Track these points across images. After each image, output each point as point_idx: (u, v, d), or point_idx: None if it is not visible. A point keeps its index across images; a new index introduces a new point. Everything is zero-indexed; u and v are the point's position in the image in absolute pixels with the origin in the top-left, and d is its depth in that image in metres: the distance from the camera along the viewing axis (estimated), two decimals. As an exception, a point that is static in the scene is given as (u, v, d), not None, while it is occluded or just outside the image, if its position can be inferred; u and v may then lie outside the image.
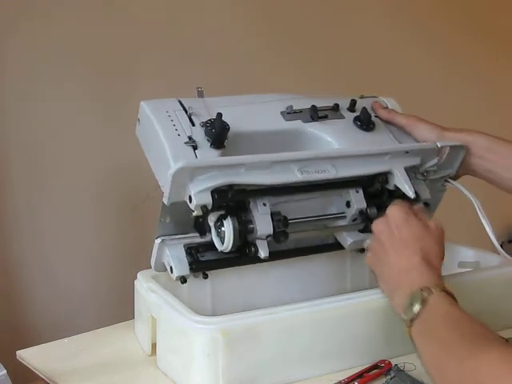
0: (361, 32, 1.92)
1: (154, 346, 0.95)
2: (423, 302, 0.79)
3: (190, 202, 0.88)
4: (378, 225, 0.90)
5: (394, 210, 0.89)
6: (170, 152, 0.90)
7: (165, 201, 0.90)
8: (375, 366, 0.90)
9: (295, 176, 0.93)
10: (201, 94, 0.97)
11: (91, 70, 1.49)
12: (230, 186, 0.90)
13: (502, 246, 2.47)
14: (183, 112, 0.94)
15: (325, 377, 0.90)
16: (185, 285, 0.99)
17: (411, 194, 0.99)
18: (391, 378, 0.88)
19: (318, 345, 0.89)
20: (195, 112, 0.95)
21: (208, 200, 0.88)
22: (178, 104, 0.95)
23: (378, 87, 1.73)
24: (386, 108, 1.09)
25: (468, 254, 1.09)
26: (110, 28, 1.50)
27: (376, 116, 1.07)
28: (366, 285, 1.13)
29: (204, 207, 0.88)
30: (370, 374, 0.89)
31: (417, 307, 0.79)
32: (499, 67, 2.24)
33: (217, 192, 0.89)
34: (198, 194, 0.88)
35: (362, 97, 1.09)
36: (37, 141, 1.46)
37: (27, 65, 1.42)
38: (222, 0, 1.66)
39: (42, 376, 0.93)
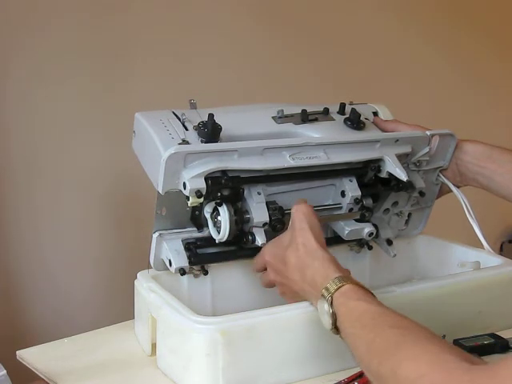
0: (361, 33, 1.92)
1: (154, 346, 0.95)
2: (331, 305, 0.78)
3: (185, 188, 0.90)
4: (266, 254, 0.93)
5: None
6: (163, 152, 0.90)
7: (159, 190, 0.91)
8: (375, 366, 0.89)
9: (287, 161, 0.95)
10: (194, 106, 0.99)
11: (92, 74, 1.49)
12: (224, 173, 0.92)
13: (502, 245, 2.48)
14: (177, 120, 0.96)
15: (325, 377, 0.89)
16: (185, 285, 1.00)
17: (403, 177, 0.99)
18: (391, 378, 0.88)
19: (318, 345, 0.89)
20: (188, 119, 0.97)
21: (202, 185, 0.90)
22: (172, 114, 0.98)
23: (379, 88, 1.73)
24: (388, 120, 1.10)
25: (468, 254, 1.09)
26: (110, 29, 1.51)
27: (366, 118, 1.08)
28: (367, 285, 1.13)
29: (198, 192, 0.89)
30: (369, 374, 0.89)
31: (329, 312, 0.78)
32: (501, 68, 2.24)
33: (211, 179, 0.91)
34: (192, 180, 0.89)
35: (351, 103, 1.10)
36: (38, 142, 1.46)
37: (29, 68, 1.43)
38: (220, 11, 1.66)
39: (41, 376, 0.93)
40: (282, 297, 0.93)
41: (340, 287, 0.79)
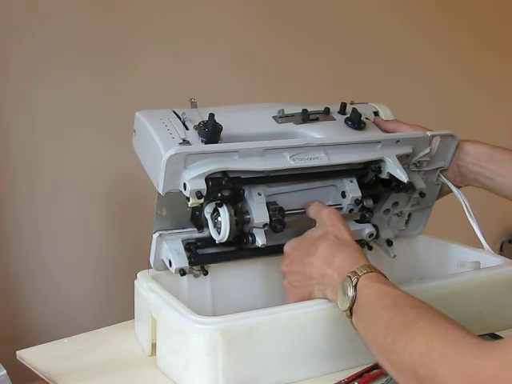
0: (361, 33, 1.92)
1: (154, 345, 0.95)
2: (355, 288, 0.80)
3: (185, 189, 0.89)
4: (287, 246, 0.94)
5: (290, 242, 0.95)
6: (164, 152, 0.91)
7: (160, 190, 0.91)
8: (375, 366, 0.90)
9: (287, 162, 0.95)
10: (194, 105, 0.99)
11: (92, 74, 1.49)
12: (225, 174, 0.92)
13: (502, 245, 2.48)
14: (177, 119, 0.96)
15: (325, 377, 0.89)
16: (185, 285, 1.00)
17: (404, 178, 0.99)
18: (391, 378, 0.88)
19: (318, 345, 0.89)
20: (189, 118, 0.96)
21: (202, 186, 0.90)
22: (173, 113, 0.97)
23: (380, 88, 1.73)
24: (389, 120, 1.10)
25: (468, 254, 1.09)
26: (110, 29, 1.51)
27: (367, 118, 1.08)
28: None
29: (199, 193, 0.89)
30: (370, 373, 0.89)
31: (350, 294, 0.80)
32: (501, 68, 2.24)
33: (211, 179, 0.91)
34: (192, 180, 0.89)
35: (352, 103, 1.10)
36: (38, 142, 1.46)
37: (29, 68, 1.43)
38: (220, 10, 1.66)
39: (41, 376, 0.93)
40: (286, 288, 0.93)
41: (367, 272, 0.81)
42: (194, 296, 1.00)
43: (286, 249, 0.94)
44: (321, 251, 0.89)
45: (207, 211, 0.96)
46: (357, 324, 0.80)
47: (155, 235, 0.96)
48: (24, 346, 1.00)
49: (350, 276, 0.81)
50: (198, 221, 0.98)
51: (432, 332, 0.69)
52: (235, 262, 1.02)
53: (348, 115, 1.06)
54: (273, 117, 1.02)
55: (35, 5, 1.42)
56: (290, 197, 0.99)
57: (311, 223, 0.98)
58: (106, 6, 1.49)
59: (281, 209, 0.97)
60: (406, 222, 1.14)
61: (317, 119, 1.04)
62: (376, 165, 1.02)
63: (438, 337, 0.68)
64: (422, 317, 0.72)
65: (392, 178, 1.01)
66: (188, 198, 0.90)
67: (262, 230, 0.95)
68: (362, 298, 0.79)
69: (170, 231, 0.97)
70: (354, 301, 0.80)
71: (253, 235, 0.95)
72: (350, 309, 0.80)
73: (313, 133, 1.02)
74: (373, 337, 0.76)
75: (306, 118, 1.03)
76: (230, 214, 0.93)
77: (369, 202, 1.04)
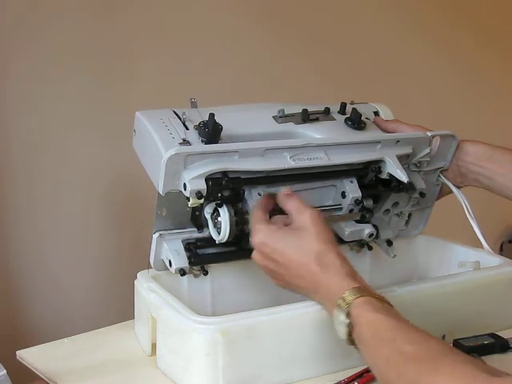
0: (362, 32, 1.93)
1: (154, 345, 0.95)
2: (348, 315, 0.77)
3: (185, 189, 0.90)
4: (255, 256, 0.88)
5: (256, 236, 0.88)
6: (164, 152, 0.91)
7: (160, 190, 0.91)
8: (375, 366, 0.90)
9: (288, 162, 0.95)
10: (194, 105, 0.99)
11: (92, 74, 1.49)
12: (225, 174, 0.92)
13: (502, 245, 2.48)
14: (177, 119, 0.96)
15: (325, 377, 0.90)
16: (185, 285, 1.00)
17: (404, 179, 0.99)
18: (391, 378, 0.88)
19: (318, 345, 0.89)
20: (189, 118, 0.96)
21: (202, 186, 0.90)
22: (173, 113, 0.98)
23: (380, 88, 1.73)
24: (389, 120, 1.10)
25: (468, 254, 1.09)
26: (110, 29, 1.51)
27: (367, 118, 1.08)
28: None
29: (199, 193, 0.89)
30: (370, 373, 0.89)
31: (345, 322, 0.77)
32: (501, 68, 2.24)
33: (211, 180, 0.91)
34: (192, 181, 0.89)
35: (352, 102, 1.10)
36: (38, 142, 1.46)
37: (29, 68, 1.43)
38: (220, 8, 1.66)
39: (41, 376, 0.93)
40: (267, 272, 0.89)
41: (357, 298, 0.77)
42: (194, 296, 1.00)
43: (260, 247, 0.87)
44: (305, 278, 0.83)
45: (207, 211, 0.96)
46: (360, 350, 0.77)
47: (155, 235, 0.97)
48: (24, 346, 1.00)
49: (339, 304, 0.78)
50: (198, 221, 0.98)
51: (438, 370, 0.66)
52: (235, 262, 1.02)
53: (348, 115, 1.06)
54: (273, 117, 1.03)
55: (35, 5, 1.42)
56: (289, 197, 0.99)
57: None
58: (106, 7, 1.49)
59: (281, 209, 0.97)
60: (406, 222, 1.14)
61: (317, 119, 1.04)
62: (376, 165, 1.02)
63: (445, 375, 0.65)
64: (424, 354, 0.69)
65: (392, 178, 1.01)
66: (188, 198, 0.91)
67: None
68: (359, 330, 0.76)
69: (170, 231, 0.97)
70: (351, 328, 0.77)
71: None
72: (350, 337, 0.77)
73: (313, 133, 1.02)
74: (377, 368, 0.73)
75: (306, 117, 1.03)
76: (230, 214, 0.93)
77: (369, 202, 1.04)
